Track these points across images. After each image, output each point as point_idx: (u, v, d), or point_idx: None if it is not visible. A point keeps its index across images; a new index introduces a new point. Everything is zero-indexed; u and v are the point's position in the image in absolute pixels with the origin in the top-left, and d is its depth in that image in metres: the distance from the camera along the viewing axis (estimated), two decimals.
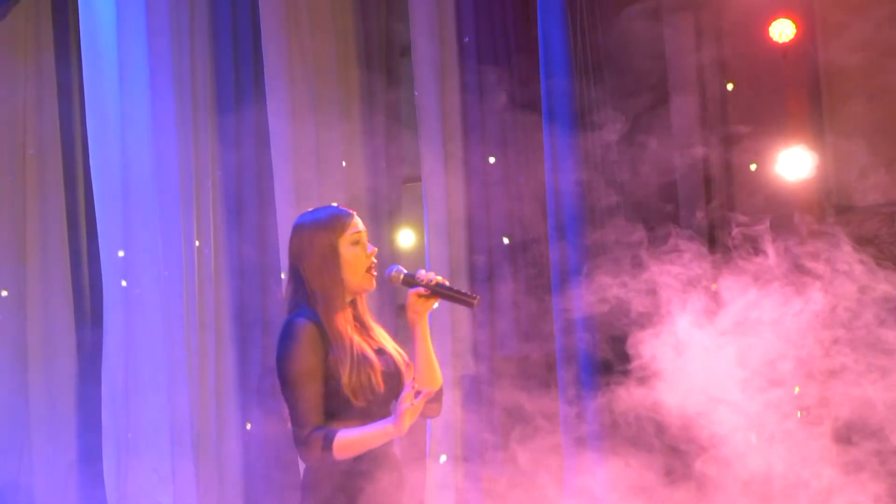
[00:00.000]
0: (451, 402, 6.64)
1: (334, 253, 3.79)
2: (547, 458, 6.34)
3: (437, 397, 3.93)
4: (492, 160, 6.77)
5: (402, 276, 3.92)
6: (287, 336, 3.71)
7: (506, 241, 6.72)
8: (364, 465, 3.68)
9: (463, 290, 3.93)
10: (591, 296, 6.25)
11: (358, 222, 3.91)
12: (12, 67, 7.46)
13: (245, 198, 7.26)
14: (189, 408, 6.92)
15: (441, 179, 6.84)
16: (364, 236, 3.90)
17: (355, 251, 3.84)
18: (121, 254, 6.86)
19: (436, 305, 3.92)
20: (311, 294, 3.77)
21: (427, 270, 3.91)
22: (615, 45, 6.57)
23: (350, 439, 3.59)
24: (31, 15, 7.52)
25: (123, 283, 6.83)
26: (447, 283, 3.88)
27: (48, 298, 7.33)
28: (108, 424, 6.79)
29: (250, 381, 7.15)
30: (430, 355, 3.89)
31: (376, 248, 3.91)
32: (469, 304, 3.87)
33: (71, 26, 7.39)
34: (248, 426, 7.18)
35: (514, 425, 6.48)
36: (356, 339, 3.78)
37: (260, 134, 7.22)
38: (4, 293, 7.34)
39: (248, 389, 7.15)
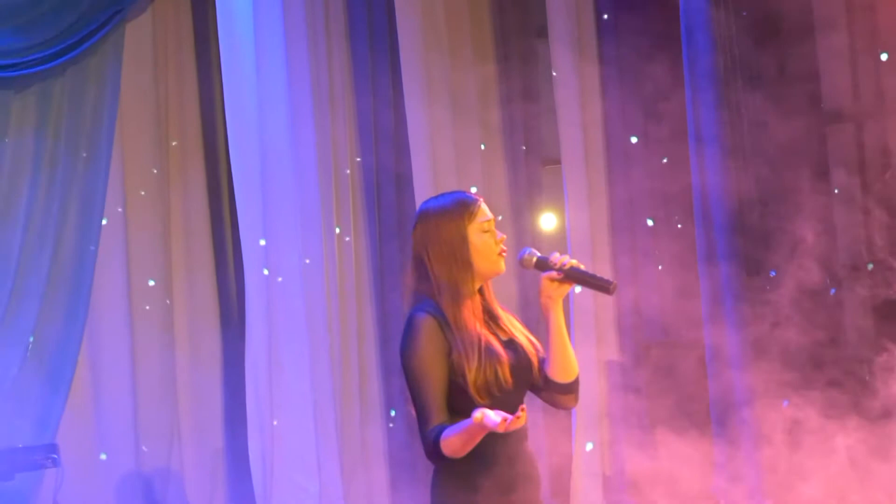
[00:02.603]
0: (597, 389, 6.41)
1: (463, 241, 3.49)
2: (695, 443, 6.06)
3: (572, 388, 3.62)
4: (634, 140, 6.48)
5: (534, 260, 3.59)
6: (408, 332, 3.45)
7: (650, 222, 6.44)
8: (489, 462, 3.44)
9: (599, 275, 3.58)
10: (737, 278, 5.95)
11: (486, 209, 3.60)
12: (154, 60, 7.48)
13: (384, 184, 7.17)
14: (332, 395, 6.85)
15: (581, 161, 6.59)
16: (493, 224, 3.61)
17: (485, 239, 3.51)
18: (262, 242, 6.80)
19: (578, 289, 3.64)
20: (437, 285, 3.50)
21: (562, 254, 3.61)
22: (760, 17, 6.21)
23: (452, 436, 3.30)
24: (171, 8, 7.53)
25: (265, 272, 6.78)
26: (582, 267, 3.54)
27: (193, 288, 7.35)
28: (253, 412, 6.74)
29: (393, 368, 7.04)
30: (565, 344, 3.56)
31: (505, 236, 3.63)
32: (605, 290, 3.54)
33: (209, 18, 7.37)
34: (392, 413, 7.06)
35: (662, 411, 6.22)
36: (483, 331, 3.51)
37: (397, 119, 7.12)
38: (151, 283, 7.38)
39: (391, 376, 7.05)
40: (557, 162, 6.83)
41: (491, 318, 3.54)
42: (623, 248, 6.55)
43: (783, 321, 5.95)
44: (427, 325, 3.39)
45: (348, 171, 7.17)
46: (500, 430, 3.18)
